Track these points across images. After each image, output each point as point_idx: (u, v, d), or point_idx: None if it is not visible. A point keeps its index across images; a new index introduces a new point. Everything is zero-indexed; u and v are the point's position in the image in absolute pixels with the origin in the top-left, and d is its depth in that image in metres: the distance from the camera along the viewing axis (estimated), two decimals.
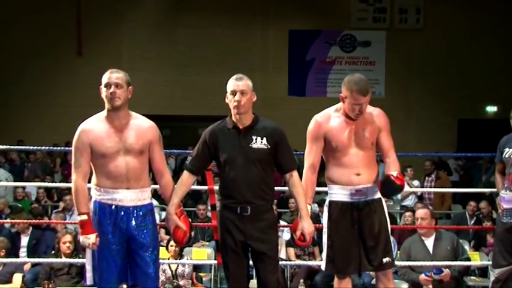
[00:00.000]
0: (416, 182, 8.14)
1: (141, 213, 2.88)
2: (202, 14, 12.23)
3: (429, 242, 4.48)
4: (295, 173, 2.94)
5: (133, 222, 2.86)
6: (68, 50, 12.12)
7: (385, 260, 3.00)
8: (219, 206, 3.02)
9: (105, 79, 2.87)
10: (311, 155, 3.03)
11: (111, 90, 2.83)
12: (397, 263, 5.10)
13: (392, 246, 5.44)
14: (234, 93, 2.86)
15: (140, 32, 12.36)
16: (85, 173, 2.86)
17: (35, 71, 11.97)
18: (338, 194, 3.01)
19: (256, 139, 2.88)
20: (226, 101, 2.91)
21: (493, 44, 12.04)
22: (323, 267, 3.10)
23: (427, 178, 8.12)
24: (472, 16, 12.08)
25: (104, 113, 2.90)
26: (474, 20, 12.06)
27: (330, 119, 3.03)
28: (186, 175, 2.99)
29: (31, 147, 5.96)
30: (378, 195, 3.04)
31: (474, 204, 6.81)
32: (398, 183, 2.93)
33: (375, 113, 3.07)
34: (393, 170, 2.99)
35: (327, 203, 3.07)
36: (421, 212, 4.67)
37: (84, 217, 2.81)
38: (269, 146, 2.88)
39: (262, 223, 2.89)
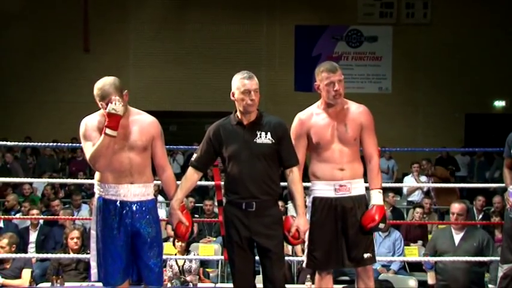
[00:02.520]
0: (423, 178, 8.11)
1: (145, 208, 2.88)
2: (208, 10, 12.23)
3: (458, 236, 4.52)
4: (295, 170, 2.95)
5: (138, 218, 2.86)
6: (75, 47, 12.16)
7: (365, 255, 2.99)
8: (224, 202, 3.03)
9: (102, 94, 2.76)
10: (296, 152, 3.01)
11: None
12: (414, 258, 5.11)
13: (399, 241, 5.50)
14: (247, 92, 2.85)
15: (146, 28, 12.37)
16: None
17: (42, 67, 12.02)
18: (322, 189, 3.01)
19: (260, 134, 2.89)
20: (233, 98, 2.91)
21: (500, 38, 11.95)
22: (304, 264, 3.11)
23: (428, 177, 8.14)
24: (479, 10, 11.99)
25: None
26: (481, 14, 11.98)
27: (312, 116, 3.05)
28: (190, 171, 3.00)
29: (39, 144, 6.01)
30: (362, 191, 3.05)
31: (482, 199, 6.78)
32: (371, 226, 2.95)
33: (358, 110, 3.06)
34: (374, 195, 2.99)
35: (310, 199, 3.06)
36: (457, 207, 4.55)
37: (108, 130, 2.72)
38: (273, 141, 2.89)
39: (268, 219, 2.89)
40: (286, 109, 10.76)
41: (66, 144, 6.34)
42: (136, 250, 2.88)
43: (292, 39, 12.50)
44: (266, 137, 2.88)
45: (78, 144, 3.31)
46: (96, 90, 2.79)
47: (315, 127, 3.01)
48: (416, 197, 7.91)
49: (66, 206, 7.05)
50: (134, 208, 2.85)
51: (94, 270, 2.89)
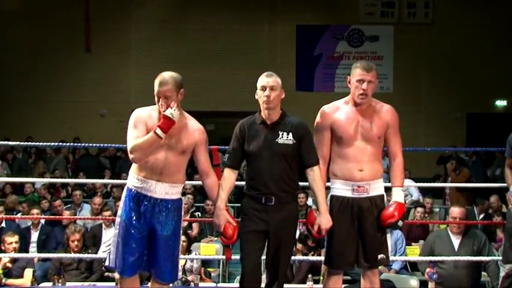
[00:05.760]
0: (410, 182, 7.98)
1: (169, 206, 2.93)
2: (209, 9, 12.22)
3: (457, 241, 4.46)
4: (316, 168, 3.00)
5: (158, 214, 2.91)
6: (77, 47, 12.16)
7: (379, 256, 3.01)
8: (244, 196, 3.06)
9: (161, 81, 2.85)
10: (320, 146, 3.05)
11: (160, 102, 2.86)
12: (416, 258, 5.10)
13: (401, 241, 5.49)
14: (264, 88, 2.96)
15: (148, 28, 12.37)
16: None
17: (44, 67, 12.02)
18: (340, 188, 3.02)
19: (282, 134, 2.97)
20: (256, 97, 3.01)
21: (502, 38, 11.93)
22: (323, 262, 3.14)
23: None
24: (480, 10, 11.97)
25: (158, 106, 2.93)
26: (483, 14, 11.96)
27: (338, 109, 3.05)
28: (227, 172, 3.06)
29: (40, 144, 6.01)
30: (381, 191, 3.04)
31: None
32: (391, 222, 2.96)
33: (384, 108, 3.08)
34: (396, 192, 3.00)
35: (328, 197, 3.08)
36: (457, 211, 4.55)
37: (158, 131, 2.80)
38: (294, 141, 2.97)
39: (285, 213, 2.97)
40: (287, 109, 10.74)
41: (67, 144, 6.33)
42: (153, 244, 2.92)
43: (293, 38, 12.48)
44: (288, 137, 2.97)
45: (79, 144, 3.29)
46: (156, 79, 2.87)
47: (339, 121, 3.01)
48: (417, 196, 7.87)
49: (68, 206, 7.06)
50: (157, 204, 2.90)
51: (112, 256, 2.94)
